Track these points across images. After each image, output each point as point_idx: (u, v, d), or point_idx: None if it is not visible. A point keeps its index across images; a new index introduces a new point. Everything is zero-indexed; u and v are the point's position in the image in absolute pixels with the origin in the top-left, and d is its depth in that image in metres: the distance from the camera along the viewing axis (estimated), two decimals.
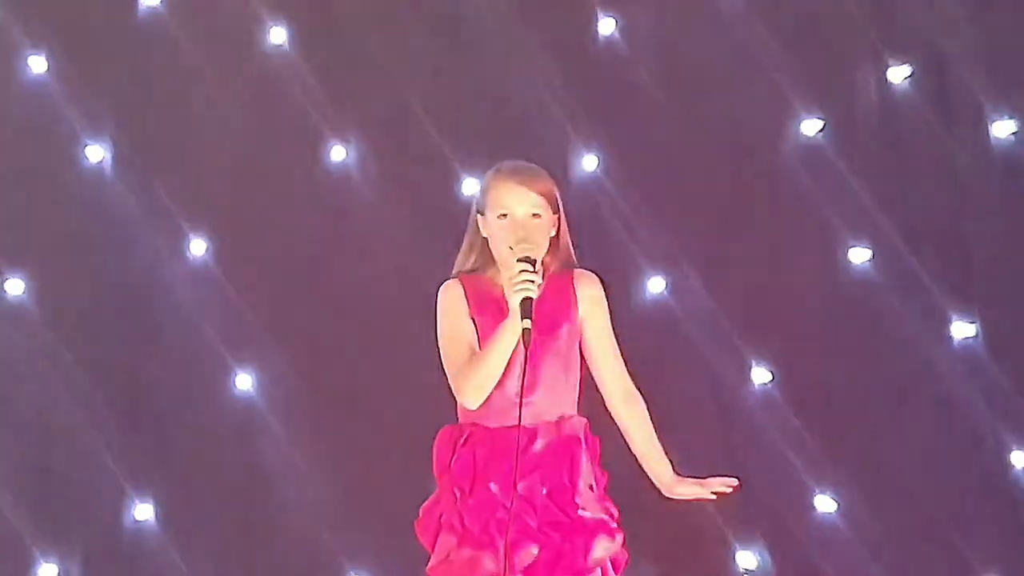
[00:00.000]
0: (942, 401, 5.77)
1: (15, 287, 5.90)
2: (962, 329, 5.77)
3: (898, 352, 5.80)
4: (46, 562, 5.73)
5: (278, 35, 6.04)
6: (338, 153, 5.96)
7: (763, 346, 5.80)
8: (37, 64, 6.01)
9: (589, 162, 5.93)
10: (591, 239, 5.83)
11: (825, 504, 5.71)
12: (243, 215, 5.92)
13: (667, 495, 3.97)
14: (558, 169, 5.86)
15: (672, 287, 5.86)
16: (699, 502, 4.05)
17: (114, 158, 5.99)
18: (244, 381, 5.83)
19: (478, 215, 3.92)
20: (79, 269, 5.93)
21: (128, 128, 5.99)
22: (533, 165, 3.95)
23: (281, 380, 5.83)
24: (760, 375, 5.80)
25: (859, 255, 5.85)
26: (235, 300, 5.86)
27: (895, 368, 5.79)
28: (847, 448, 5.73)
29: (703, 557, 5.68)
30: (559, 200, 3.93)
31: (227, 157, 5.95)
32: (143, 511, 5.78)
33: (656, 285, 5.85)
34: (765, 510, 5.64)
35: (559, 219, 3.92)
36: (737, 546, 5.69)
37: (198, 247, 5.92)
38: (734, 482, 3.92)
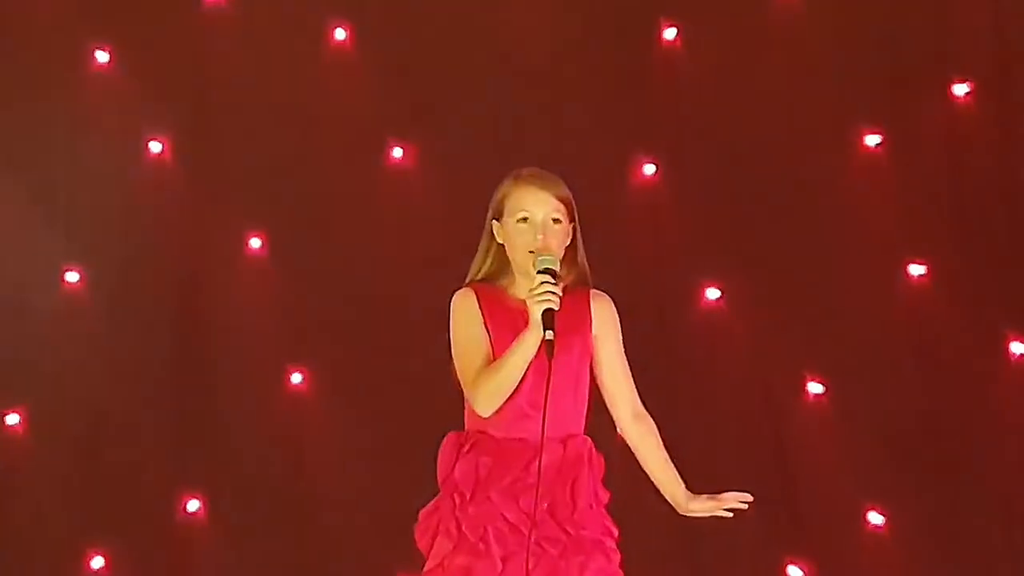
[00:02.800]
0: (996, 418, 5.73)
1: (72, 278, 5.94)
2: (1019, 347, 5.73)
3: (953, 368, 5.77)
4: (96, 554, 5.77)
5: (340, 33, 6.06)
6: (397, 154, 5.97)
7: (817, 358, 5.78)
8: (100, 57, 6.05)
9: (648, 169, 5.92)
10: (648, 246, 5.88)
11: (875, 519, 5.68)
12: (301, 212, 5.94)
13: (681, 513, 3.94)
14: (616, 176, 5.91)
15: (727, 296, 5.84)
16: (716, 517, 3.99)
17: (174, 152, 6.02)
18: (297, 378, 5.85)
19: (494, 221, 3.92)
20: (136, 261, 5.95)
21: (189, 122, 6.02)
22: (550, 173, 3.94)
23: (334, 377, 5.84)
24: (813, 387, 5.78)
25: (916, 269, 5.82)
26: (290, 297, 5.88)
27: (949, 384, 5.76)
28: (899, 463, 5.70)
29: (752, 571, 5.66)
30: (575, 209, 3.91)
31: (286, 154, 5.96)
32: (193, 504, 5.81)
33: (712, 293, 5.84)
34: (815, 523, 5.62)
35: (575, 229, 3.91)
36: (786, 559, 5.66)
37: (255, 243, 5.94)
38: (749, 497, 3.87)
